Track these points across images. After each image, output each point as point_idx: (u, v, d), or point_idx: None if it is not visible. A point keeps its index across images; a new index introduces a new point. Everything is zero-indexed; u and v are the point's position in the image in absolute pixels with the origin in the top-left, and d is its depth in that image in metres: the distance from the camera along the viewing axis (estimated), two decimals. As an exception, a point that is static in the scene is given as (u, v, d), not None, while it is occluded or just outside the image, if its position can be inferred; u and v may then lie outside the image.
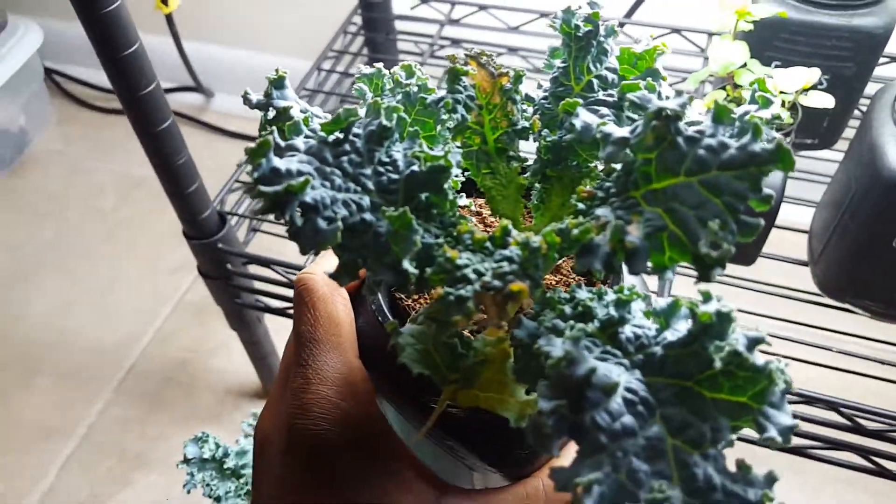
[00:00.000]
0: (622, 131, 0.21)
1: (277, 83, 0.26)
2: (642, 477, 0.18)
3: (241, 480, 0.64)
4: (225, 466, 0.63)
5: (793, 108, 0.61)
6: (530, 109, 0.31)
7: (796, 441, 0.63)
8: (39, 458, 0.97)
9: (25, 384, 1.05)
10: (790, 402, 0.59)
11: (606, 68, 0.29)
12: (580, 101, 0.27)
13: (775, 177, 0.62)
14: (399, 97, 0.28)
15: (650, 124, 0.20)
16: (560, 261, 0.32)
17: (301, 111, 0.26)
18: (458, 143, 0.31)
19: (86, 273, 1.19)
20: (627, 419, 0.19)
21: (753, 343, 0.19)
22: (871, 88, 0.69)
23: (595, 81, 0.29)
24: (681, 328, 0.21)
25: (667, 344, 0.21)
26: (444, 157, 0.23)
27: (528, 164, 0.31)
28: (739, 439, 0.61)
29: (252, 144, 0.21)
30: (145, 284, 1.16)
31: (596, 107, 0.28)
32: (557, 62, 0.30)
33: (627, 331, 0.22)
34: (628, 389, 0.20)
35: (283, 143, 0.22)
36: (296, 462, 0.27)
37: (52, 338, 1.10)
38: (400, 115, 0.24)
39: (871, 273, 0.61)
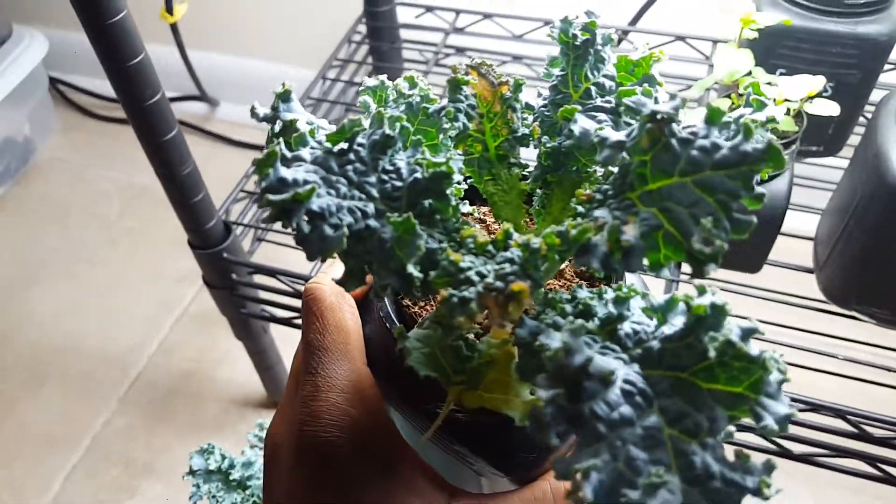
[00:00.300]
0: (618, 135, 0.21)
1: (284, 97, 0.27)
2: (640, 465, 0.19)
3: (247, 492, 0.63)
4: (231, 478, 0.63)
5: (798, 115, 0.61)
6: (530, 117, 0.31)
7: (803, 449, 0.63)
8: (45, 468, 0.97)
9: (31, 393, 1.05)
10: (799, 410, 0.58)
11: (604, 76, 0.29)
12: (578, 107, 0.28)
13: (780, 184, 0.62)
14: (402, 107, 0.29)
15: (645, 127, 0.20)
16: (563, 266, 0.32)
17: (307, 123, 0.26)
18: (461, 151, 0.31)
19: (90, 281, 1.19)
20: (625, 409, 0.19)
21: (747, 333, 0.20)
22: (876, 95, 0.69)
23: (593, 89, 0.29)
24: (677, 322, 0.22)
25: (664, 338, 0.21)
26: (445, 163, 0.24)
27: (529, 170, 0.32)
28: (745, 446, 0.61)
29: (259, 155, 0.22)
30: (150, 293, 1.16)
31: (594, 113, 0.28)
32: (556, 71, 0.30)
33: (626, 327, 0.22)
34: (626, 381, 0.20)
35: (289, 154, 0.23)
36: (306, 468, 0.27)
37: (57, 346, 1.10)
38: (403, 124, 0.25)
39: (877, 280, 0.61)
